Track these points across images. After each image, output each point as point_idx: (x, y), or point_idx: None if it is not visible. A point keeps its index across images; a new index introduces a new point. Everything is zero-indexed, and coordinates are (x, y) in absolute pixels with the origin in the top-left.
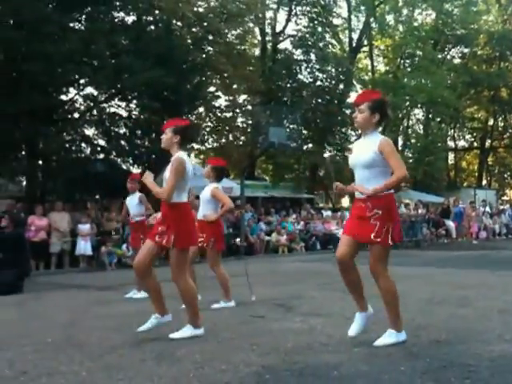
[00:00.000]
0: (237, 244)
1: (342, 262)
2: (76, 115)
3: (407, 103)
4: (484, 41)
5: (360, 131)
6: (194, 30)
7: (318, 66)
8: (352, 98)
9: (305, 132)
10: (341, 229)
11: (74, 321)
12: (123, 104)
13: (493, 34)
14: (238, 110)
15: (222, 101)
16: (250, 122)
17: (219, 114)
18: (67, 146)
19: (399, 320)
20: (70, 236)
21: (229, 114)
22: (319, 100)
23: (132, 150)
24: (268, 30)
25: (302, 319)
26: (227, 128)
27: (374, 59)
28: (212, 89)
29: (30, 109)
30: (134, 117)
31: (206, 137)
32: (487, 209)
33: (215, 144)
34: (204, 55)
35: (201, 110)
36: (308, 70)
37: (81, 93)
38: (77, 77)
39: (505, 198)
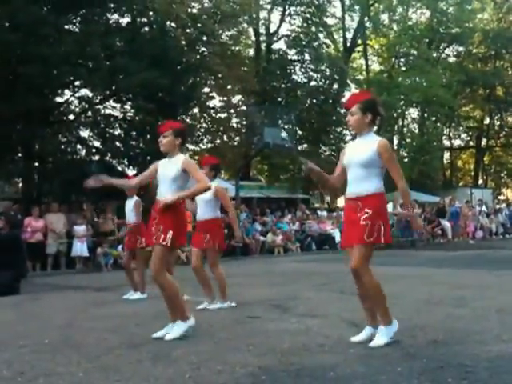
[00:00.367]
0: (232, 244)
1: (356, 268)
2: (71, 117)
3: (402, 102)
4: (479, 39)
5: (356, 133)
6: (188, 31)
7: (312, 66)
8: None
9: (300, 132)
10: (336, 229)
11: (71, 322)
12: (118, 105)
13: (488, 33)
14: (232, 111)
15: (216, 101)
16: (245, 122)
17: (214, 115)
18: (63, 147)
19: (388, 313)
20: (66, 237)
21: (223, 115)
22: (314, 100)
23: (127, 151)
24: (262, 30)
25: (298, 320)
26: (222, 129)
27: (369, 59)
28: (206, 89)
29: (26, 111)
30: (128, 118)
31: (200, 137)
32: (483, 208)
33: (210, 145)
34: (198, 56)
35: (195, 110)
36: (302, 70)
37: (76, 94)
38: (72, 79)
39: (501, 197)
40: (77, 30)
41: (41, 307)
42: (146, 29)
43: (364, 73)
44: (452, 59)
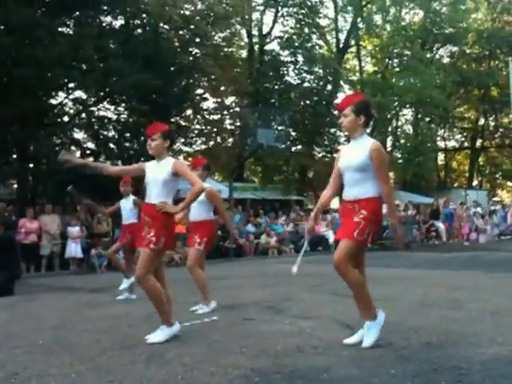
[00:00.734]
0: (226, 246)
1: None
2: (65, 119)
3: (396, 103)
4: (473, 39)
5: (349, 134)
6: (181, 32)
7: (305, 68)
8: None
9: (293, 133)
10: (330, 230)
11: (65, 323)
12: (112, 107)
13: (482, 33)
14: (225, 112)
15: (209, 103)
16: (238, 123)
17: (207, 116)
18: (57, 149)
19: (372, 307)
20: (60, 238)
21: (217, 116)
22: (307, 101)
23: (121, 152)
24: (255, 31)
25: (291, 322)
26: (215, 130)
27: (362, 59)
28: (200, 91)
29: (20, 113)
30: (122, 120)
31: (194, 139)
32: (478, 209)
33: (203, 146)
34: (191, 58)
35: (189, 112)
36: (295, 71)
37: (70, 96)
38: (66, 81)
39: (496, 198)
40: (70, 32)
41: (35, 308)
42: (139, 31)
43: (357, 74)
44: (446, 60)
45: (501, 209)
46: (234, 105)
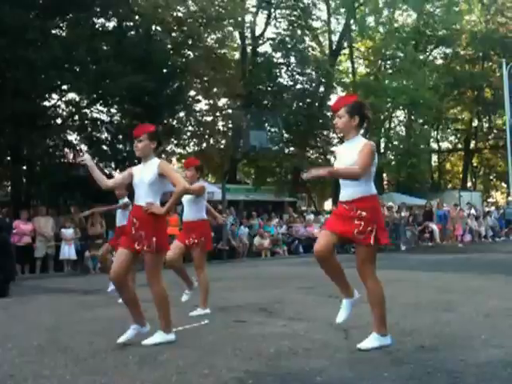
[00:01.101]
0: (219, 248)
1: (321, 254)
2: (59, 121)
3: (389, 105)
4: (466, 41)
5: (343, 135)
6: (173, 34)
7: (298, 69)
8: (333, 100)
9: (286, 135)
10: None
11: (59, 324)
12: (105, 109)
13: (476, 34)
14: (218, 114)
15: (202, 105)
16: (231, 125)
17: (200, 118)
18: (51, 151)
19: (384, 324)
20: (55, 240)
21: (209, 118)
22: (300, 103)
23: (114, 154)
24: (247, 33)
25: (284, 324)
26: (208, 132)
27: (355, 61)
28: (192, 93)
29: (13, 115)
30: (115, 122)
31: (186, 141)
32: (472, 211)
33: (196, 148)
34: (184, 59)
35: (181, 114)
36: (288, 73)
37: (63, 98)
38: (59, 83)
39: (490, 200)
40: (63, 34)
41: (29, 310)
42: (132, 33)
43: (350, 75)
44: (439, 61)
45: (495, 210)
46: (226, 107)
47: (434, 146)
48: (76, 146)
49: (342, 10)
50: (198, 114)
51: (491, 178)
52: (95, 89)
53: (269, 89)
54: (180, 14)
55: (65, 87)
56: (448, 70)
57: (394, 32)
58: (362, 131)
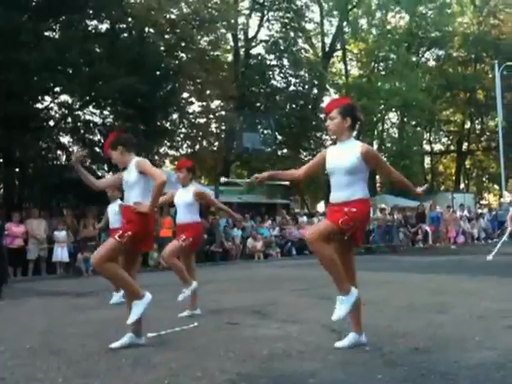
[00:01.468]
0: (212, 250)
1: (310, 235)
2: (51, 123)
3: (381, 107)
4: (459, 43)
5: (336, 137)
6: (166, 36)
7: (291, 71)
8: (326, 102)
9: (279, 137)
10: None
11: (52, 327)
12: (97, 111)
13: (468, 36)
14: (211, 116)
15: (195, 107)
16: (224, 127)
17: (193, 120)
18: (43, 153)
19: (343, 281)
20: (47, 243)
21: (202, 120)
22: (293, 105)
23: None
24: (240, 35)
25: (277, 326)
26: (201, 134)
27: (348, 63)
28: (185, 95)
29: (6, 117)
30: (108, 124)
31: (180, 143)
32: (465, 213)
33: (189, 150)
34: (177, 61)
35: (174, 116)
36: (281, 75)
37: (56, 101)
38: (52, 85)
39: (483, 202)
40: (56, 36)
41: (21, 312)
42: (125, 35)
43: (343, 77)
44: (432, 63)
45: (488, 212)
46: (219, 108)
47: (427, 147)
48: (69, 148)
49: (335, 12)
50: (191, 115)
51: (484, 179)
52: (88, 91)
53: (262, 91)
54: (173, 16)
55: (57, 89)
56: (440, 72)
57: (387, 34)
58: (354, 133)
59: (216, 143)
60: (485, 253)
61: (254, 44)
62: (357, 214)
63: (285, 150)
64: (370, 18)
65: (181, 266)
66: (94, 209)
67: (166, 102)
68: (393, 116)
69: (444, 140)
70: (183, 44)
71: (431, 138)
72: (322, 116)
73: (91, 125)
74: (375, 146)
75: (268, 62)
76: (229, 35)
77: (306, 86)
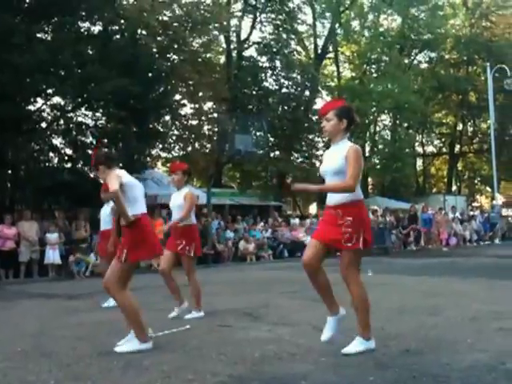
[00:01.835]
0: (204, 252)
1: (309, 265)
2: (44, 125)
3: (374, 109)
4: (451, 45)
5: (330, 139)
6: (159, 38)
7: (283, 73)
8: (318, 104)
9: (271, 139)
10: (308, 236)
11: (43, 330)
12: (90, 113)
13: (460, 38)
14: (203, 118)
15: (187, 109)
16: (216, 129)
17: (185, 122)
18: (35, 155)
19: (368, 328)
20: (39, 245)
21: (195, 122)
22: (285, 107)
23: None
24: (233, 37)
25: (269, 328)
26: (193, 136)
27: (340, 65)
28: (178, 97)
29: None
30: (100, 126)
31: (172, 145)
32: (457, 215)
33: (182, 152)
34: (169, 63)
35: (167, 118)
36: (273, 77)
37: (48, 102)
38: (44, 87)
39: (475, 204)
40: (49, 38)
41: (13, 315)
42: (118, 36)
43: (335, 79)
44: (424, 65)
45: (480, 214)
46: (211, 110)
47: (419, 149)
48: (61, 150)
49: (328, 15)
50: (183, 117)
51: (476, 182)
52: (80, 93)
53: (254, 93)
54: (165, 18)
55: (50, 91)
56: (433, 74)
57: (379, 36)
58: (348, 135)
59: (208, 145)
60: (476, 255)
61: (246, 46)
62: (354, 221)
63: (277, 152)
64: (363, 20)
65: (199, 286)
66: (85, 211)
67: (159, 103)
68: (385, 118)
69: (436, 142)
70: (176, 46)
71: (423, 140)
72: (315, 118)
73: (83, 127)
74: (367, 149)
75: (260, 64)
76: (221, 37)
77: (299, 88)
